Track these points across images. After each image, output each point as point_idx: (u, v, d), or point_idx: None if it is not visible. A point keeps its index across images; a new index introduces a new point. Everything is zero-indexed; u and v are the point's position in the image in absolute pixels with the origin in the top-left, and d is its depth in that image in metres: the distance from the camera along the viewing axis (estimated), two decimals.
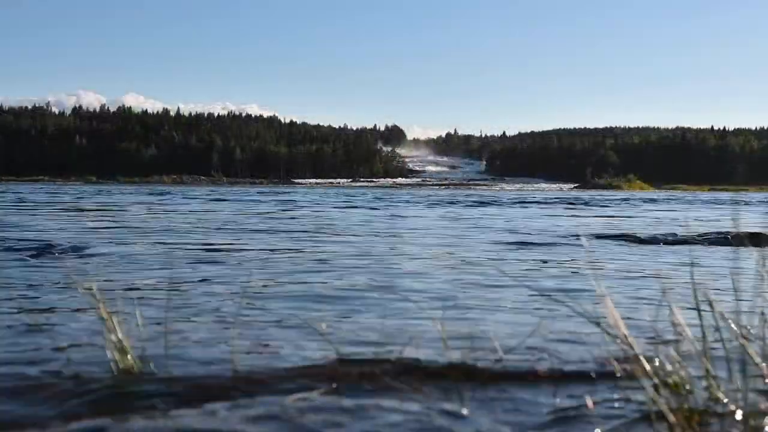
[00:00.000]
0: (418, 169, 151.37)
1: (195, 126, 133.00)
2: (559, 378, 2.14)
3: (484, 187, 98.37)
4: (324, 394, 1.95)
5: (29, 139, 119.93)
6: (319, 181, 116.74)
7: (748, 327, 1.89)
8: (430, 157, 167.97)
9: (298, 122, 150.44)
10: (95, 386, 2.00)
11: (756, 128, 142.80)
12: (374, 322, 3.04)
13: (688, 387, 1.79)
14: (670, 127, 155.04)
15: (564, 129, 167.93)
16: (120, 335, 2.09)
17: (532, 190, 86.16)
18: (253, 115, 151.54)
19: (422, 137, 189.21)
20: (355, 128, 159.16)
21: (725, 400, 1.80)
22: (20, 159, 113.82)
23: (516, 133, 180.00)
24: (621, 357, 1.90)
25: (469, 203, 23.88)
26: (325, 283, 4.27)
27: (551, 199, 32.19)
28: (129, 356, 2.11)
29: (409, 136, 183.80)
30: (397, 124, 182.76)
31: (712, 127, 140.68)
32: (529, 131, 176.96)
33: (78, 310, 3.18)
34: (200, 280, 4.32)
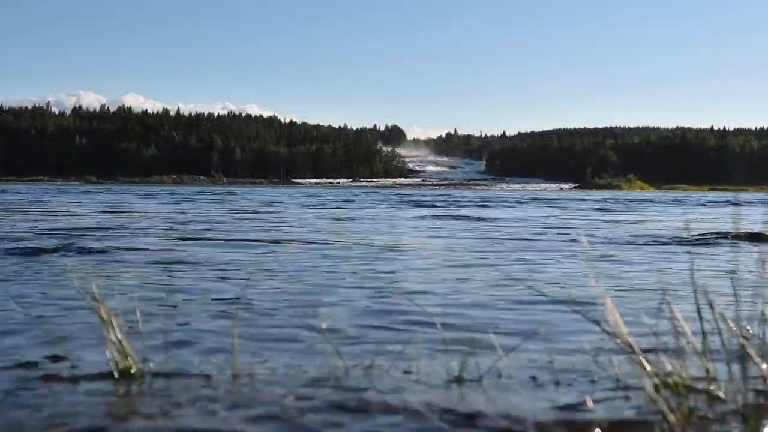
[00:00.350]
0: (418, 169, 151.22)
1: (195, 126, 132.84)
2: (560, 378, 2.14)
3: (485, 187, 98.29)
4: (324, 394, 1.95)
5: (29, 139, 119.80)
6: (319, 181, 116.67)
7: (748, 327, 1.89)
8: (430, 157, 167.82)
9: (298, 122, 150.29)
10: (95, 386, 2.00)
11: (756, 128, 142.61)
12: (378, 323, 3.05)
13: (688, 387, 1.79)
14: (670, 127, 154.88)
15: (564, 129, 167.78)
16: (120, 335, 2.09)
17: (537, 189, 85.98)
18: (253, 115, 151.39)
19: (422, 137, 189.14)
20: (355, 128, 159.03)
21: (725, 400, 1.80)
22: (20, 159, 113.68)
23: (516, 133, 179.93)
24: (621, 357, 1.90)
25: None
26: (330, 280, 4.27)
27: (574, 199, 32.13)
28: (129, 356, 2.11)
29: (409, 136, 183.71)
30: (397, 124, 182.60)
31: (712, 127, 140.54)
32: (529, 131, 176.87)
33: (78, 309, 3.18)
34: (200, 280, 4.32)
